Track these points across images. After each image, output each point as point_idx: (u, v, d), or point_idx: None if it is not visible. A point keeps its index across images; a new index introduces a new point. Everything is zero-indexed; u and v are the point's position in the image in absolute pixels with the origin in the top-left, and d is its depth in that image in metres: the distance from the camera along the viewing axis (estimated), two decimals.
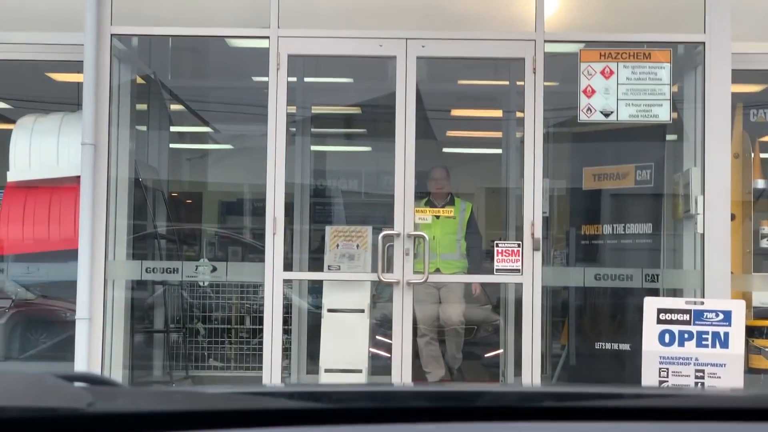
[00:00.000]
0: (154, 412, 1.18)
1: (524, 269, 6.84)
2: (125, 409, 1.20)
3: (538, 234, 6.86)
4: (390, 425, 1.20)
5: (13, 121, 7.79)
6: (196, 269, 8.13)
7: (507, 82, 8.97)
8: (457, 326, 8.34)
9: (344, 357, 7.37)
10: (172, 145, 9.19)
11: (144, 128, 8.44)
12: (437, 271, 7.80)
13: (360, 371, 7.30)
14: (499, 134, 9.85)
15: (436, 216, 8.21)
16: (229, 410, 1.24)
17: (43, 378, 1.28)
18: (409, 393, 1.55)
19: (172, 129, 9.23)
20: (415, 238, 7.02)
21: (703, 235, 7.13)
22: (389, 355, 6.99)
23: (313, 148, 9.52)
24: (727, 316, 5.87)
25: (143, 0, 7.54)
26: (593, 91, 7.14)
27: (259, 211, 7.70)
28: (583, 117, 7.18)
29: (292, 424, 1.20)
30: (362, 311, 7.43)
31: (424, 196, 8.28)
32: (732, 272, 7.27)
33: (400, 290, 6.97)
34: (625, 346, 7.69)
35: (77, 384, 1.25)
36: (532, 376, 6.74)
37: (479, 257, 8.41)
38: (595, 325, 8.32)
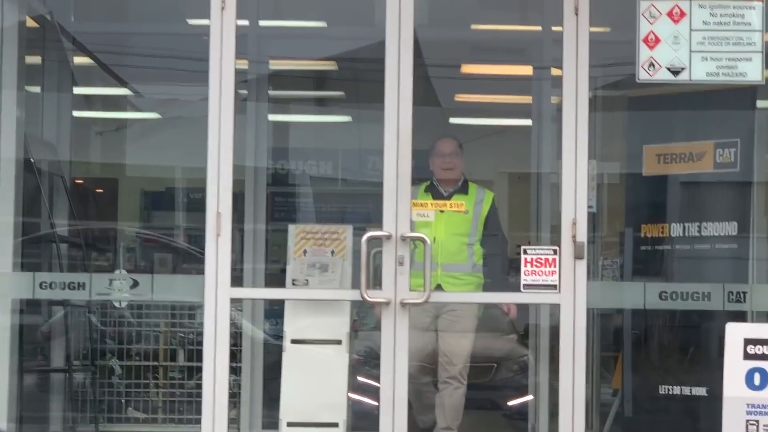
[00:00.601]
0: None
1: (562, 285, 6.85)
2: None
3: (582, 237, 6.88)
4: None
5: None
6: (111, 284, 8.13)
7: (539, 28, 8.99)
8: (458, 376, 8.01)
9: (314, 406, 7.38)
10: (76, 113, 9.17)
11: (37, 89, 8.41)
12: (438, 288, 7.58)
13: (336, 425, 7.31)
14: (527, 99, 9.86)
15: (440, 209, 7.84)
16: None
17: None
18: None
19: (77, 91, 9.20)
20: (412, 241, 6.93)
21: None
22: (376, 403, 7.01)
23: (272, 117, 9.51)
24: None
25: None
26: (657, 40, 7.17)
27: (197, 204, 7.72)
28: (643, 76, 7.19)
29: None
30: (339, 342, 7.45)
31: (424, 180, 8.09)
32: None
33: (391, 314, 6.98)
34: (700, 391, 7.73)
35: None
36: None
37: (501, 270, 8.28)
38: (660, 362, 8.35)
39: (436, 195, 7.95)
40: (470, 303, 8.26)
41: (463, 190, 8.14)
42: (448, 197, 8.02)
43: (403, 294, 6.82)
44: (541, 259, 6.87)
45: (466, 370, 8.02)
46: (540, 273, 6.90)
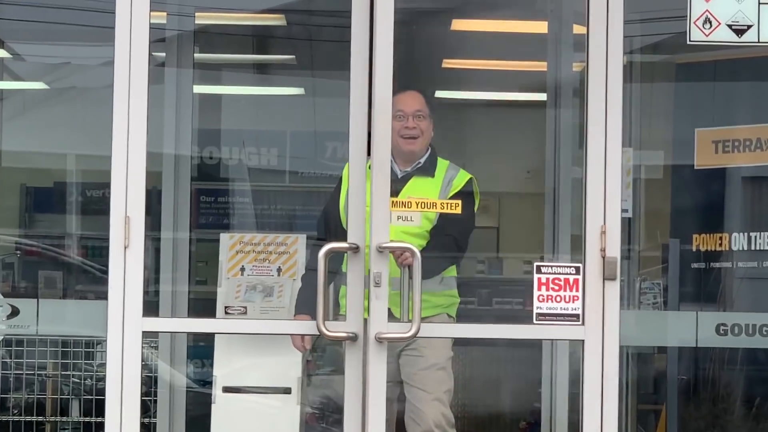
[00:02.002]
0: None
1: (587, 315, 6.86)
2: None
3: (614, 251, 6.91)
4: None
5: None
6: None
7: None
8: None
9: None
10: None
11: None
12: (389, 313, 6.63)
13: None
14: (542, 67, 9.91)
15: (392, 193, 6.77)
16: None
17: None
18: None
19: None
20: (393, 253, 6.65)
21: None
22: None
23: (199, 89, 9.52)
24: None
25: None
26: None
27: (97, 205, 7.73)
28: (696, 35, 7.23)
29: None
30: (288, 391, 7.48)
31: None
32: None
33: (357, 352, 7.00)
34: None
35: None
36: None
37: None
38: (717, 417, 8.40)
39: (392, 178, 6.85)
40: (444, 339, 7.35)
41: (428, 170, 7.39)
42: (404, 180, 7.28)
43: (380, 326, 6.48)
44: (560, 279, 6.77)
45: (449, 425, 7.24)
46: (558, 299, 6.77)
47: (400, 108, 7.07)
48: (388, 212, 6.58)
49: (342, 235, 6.79)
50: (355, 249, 6.86)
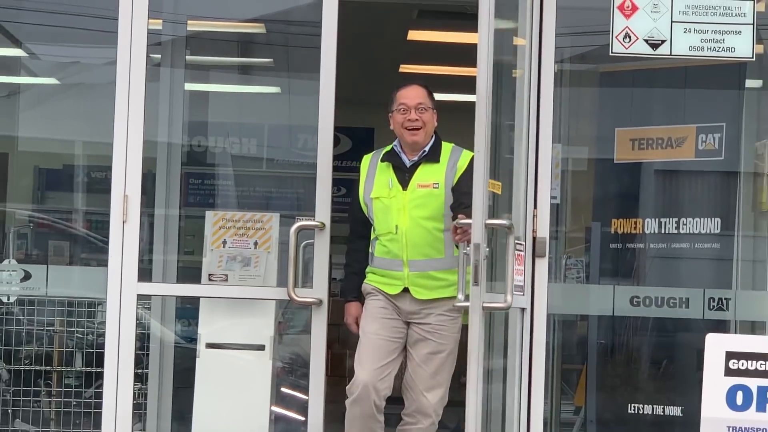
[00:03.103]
0: None
1: (524, 288, 6.84)
2: None
3: (544, 232, 6.91)
4: None
5: None
6: None
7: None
8: (429, 412, 6.94)
9: (232, 421, 7.41)
10: None
11: None
12: (404, 293, 6.84)
13: None
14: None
15: (401, 184, 6.90)
16: None
17: None
18: None
19: None
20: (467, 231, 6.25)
21: None
22: (303, 418, 7.01)
23: (189, 86, 9.51)
24: None
25: None
26: (635, 8, 7.21)
27: (100, 185, 7.70)
28: (618, 48, 7.24)
29: None
30: (262, 348, 7.46)
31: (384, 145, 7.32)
32: None
33: (322, 315, 7.01)
34: (675, 410, 7.79)
35: None
36: None
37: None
38: (629, 377, 8.41)
39: (398, 166, 6.96)
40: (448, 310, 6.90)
41: (433, 156, 7.01)
42: (413, 168, 6.96)
43: (483, 297, 6.13)
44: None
45: (441, 403, 7.01)
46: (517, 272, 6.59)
47: (402, 102, 6.91)
48: (488, 194, 6.29)
49: (366, 224, 6.95)
50: (322, 227, 6.91)
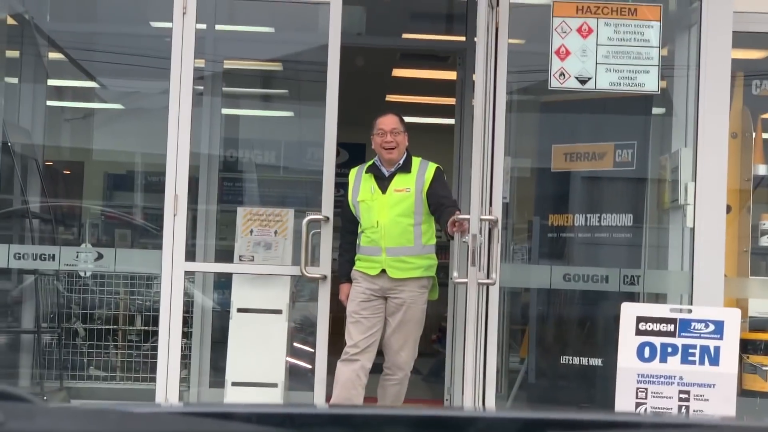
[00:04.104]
0: None
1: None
2: (44, 429, 1.22)
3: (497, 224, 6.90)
4: None
5: None
6: (77, 256, 8.10)
7: (463, 38, 9.00)
8: (401, 366, 7.00)
9: (257, 368, 7.39)
10: (49, 103, 9.10)
11: (15, 81, 8.34)
12: (383, 272, 6.90)
13: (275, 385, 7.32)
14: (452, 102, 9.88)
15: (381, 190, 6.97)
16: None
17: None
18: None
19: (50, 82, 9.12)
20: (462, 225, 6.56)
21: (693, 229, 7.26)
22: (310, 367, 7.00)
23: (225, 111, 9.48)
24: (719, 328, 5.98)
25: None
26: (568, 53, 7.19)
27: (156, 186, 7.69)
28: (555, 84, 7.22)
29: None
30: (279, 312, 7.45)
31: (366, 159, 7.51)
32: (726, 275, 7.41)
33: (326, 287, 7.03)
34: (597, 362, 7.78)
35: None
36: (484, 397, 6.78)
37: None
38: (562, 335, 8.40)
39: (378, 176, 6.99)
40: (416, 287, 7.00)
41: (406, 168, 7.01)
42: (390, 177, 6.97)
43: (480, 275, 6.57)
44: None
45: (411, 358, 7.05)
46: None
47: (380, 127, 6.96)
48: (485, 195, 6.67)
49: (354, 222, 7.01)
50: (326, 219, 6.92)
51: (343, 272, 7.05)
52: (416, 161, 7.05)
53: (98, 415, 1.35)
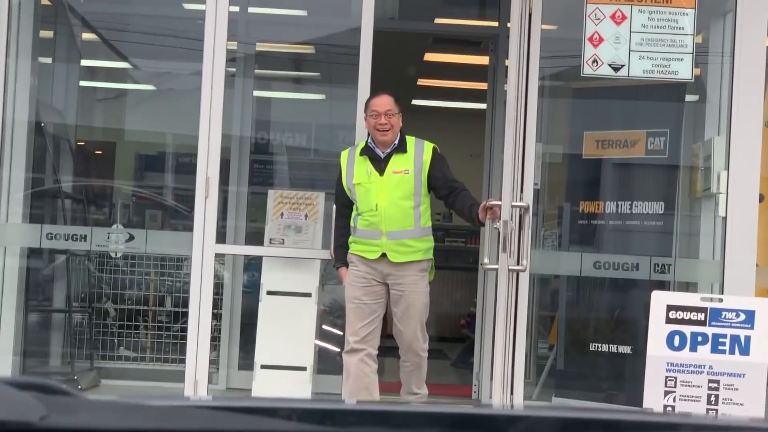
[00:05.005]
0: (119, 430, 1.22)
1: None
2: (86, 424, 1.23)
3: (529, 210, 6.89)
4: None
5: None
6: (108, 237, 8.13)
7: (496, 24, 8.99)
8: (417, 351, 6.88)
9: (285, 351, 7.40)
10: (82, 83, 9.13)
11: (48, 61, 8.38)
12: (383, 258, 6.76)
13: (304, 369, 7.33)
14: (484, 86, 9.87)
15: (378, 172, 6.81)
16: (214, 430, 1.28)
17: None
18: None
19: (83, 63, 9.15)
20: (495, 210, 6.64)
21: (725, 218, 7.24)
22: (339, 350, 7.01)
23: (256, 93, 9.49)
24: (750, 317, 5.97)
25: None
26: (601, 39, 7.18)
27: (187, 168, 7.71)
28: (587, 70, 7.20)
29: None
30: (309, 295, 7.45)
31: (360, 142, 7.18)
32: (757, 265, 7.37)
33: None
34: (626, 349, 7.76)
35: (27, 392, 1.28)
36: (512, 384, 6.78)
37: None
38: (591, 323, 8.39)
39: (374, 157, 6.82)
40: (417, 271, 6.89)
41: (401, 148, 6.85)
42: (386, 159, 6.81)
43: (511, 262, 6.63)
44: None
45: (424, 341, 6.92)
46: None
47: (374, 108, 6.75)
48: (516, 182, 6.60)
49: (349, 206, 6.87)
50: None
51: (339, 257, 6.94)
52: (411, 141, 6.89)
53: (140, 410, 1.36)
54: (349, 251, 6.87)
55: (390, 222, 6.71)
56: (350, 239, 6.88)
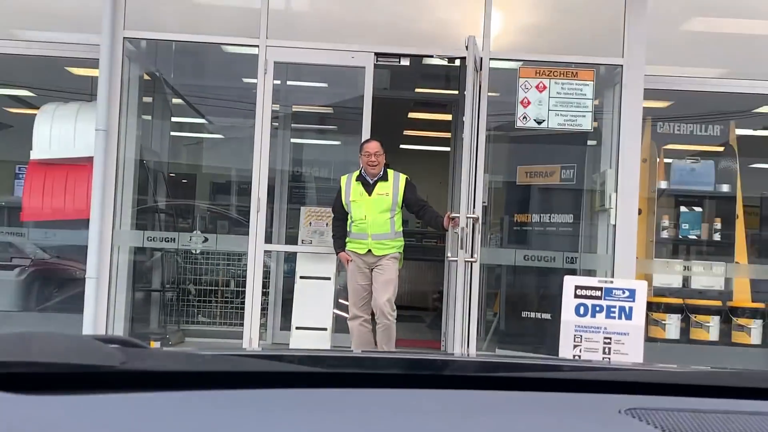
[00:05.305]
0: (179, 372, 1.21)
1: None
2: (154, 367, 1.22)
3: (479, 221, 6.84)
4: (367, 390, 1.23)
5: (37, 108, 7.71)
6: (190, 239, 8.11)
7: (457, 92, 8.97)
8: (386, 314, 6.71)
9: (312, 317, 7.37)
10: (172, 133, 9.10)
11: (149, 118, 8.37)
12: (369, 252, 6.79)
13: (325, 329, 7.30)
14: (448, 135, 9.84)
15: (367, 193, 6.85)
16: (242, 371, 1.27)
17: (83, 339, 1.29)
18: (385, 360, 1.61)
19: (173, 119, 9.14)
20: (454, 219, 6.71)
21: (614, 225, 7.23)
22: (347, 316, 6.99)
23: (293, 140, 9.47)
24: (632, 294, 5.95)
25: (152, 9, 7.48)
26: (529, 102, 7.17)
27: (244, 191, 7.67)
28: (519, 124, 7.22)
29: (300, 386, 1.23)
30: (329, 279, 7.43)
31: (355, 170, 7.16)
32: (637, 257, 7.37)
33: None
34: (547, 316, 7.76)
35: (112, 345, 1.26)
36: (468, 340, 6.75)
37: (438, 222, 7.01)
38: (523, 297, 8.36)
39: (365, 183, 6.84)
40: (391, 259, 6.87)
41: (384, 177, 6.86)
42: (374, 184, 6.82)
43: (466, 255, 6.63)
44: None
45: (393, 310, 6.77)
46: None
47: (366, 150, 6.80)
48: (470, 200, 7.01)
49: (344, 213, 6.94)
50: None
51: (338, 245, 6.94)
52: (391, 173, 6.90)
53: (194, 357, 1.34)
54: (346, 247, 6.89)
55: (374, 227, 6.76)
56: (346, 239, 6.90)
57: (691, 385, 1.26)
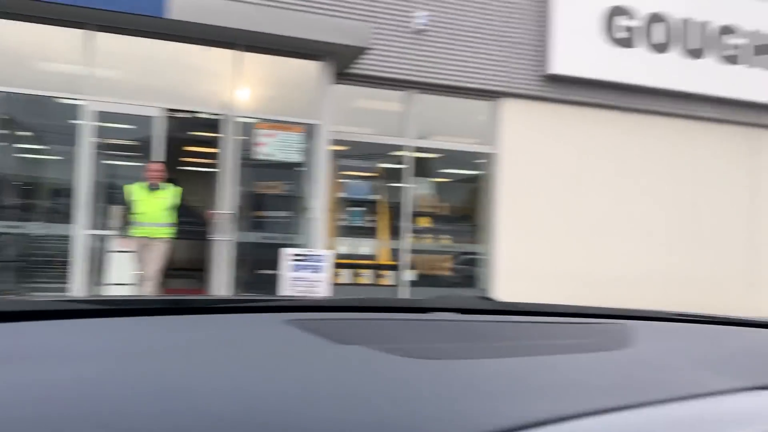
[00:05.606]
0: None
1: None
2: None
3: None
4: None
5: None
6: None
7: (222, 135, 8.64)
8: (152, 277, 6.10)
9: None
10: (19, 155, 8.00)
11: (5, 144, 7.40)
12: (145, 237, 6.20)
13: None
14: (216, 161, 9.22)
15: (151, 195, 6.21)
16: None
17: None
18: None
19: (21, 146, 8.06)
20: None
21: (313, 218, 7.39)
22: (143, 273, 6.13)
23: (102, 161, 7.71)
24: (322, 258, 6.44)
25: (8, 71, 6.74)
26: (263, 143, 7.31)
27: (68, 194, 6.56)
28: (258, 156, 7.29)
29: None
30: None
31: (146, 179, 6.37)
32: (327, 237, 7.60)
33: None
34: (275, 272, 7.07)
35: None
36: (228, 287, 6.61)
37: (187, 224, 6.47)
38: (259, 261, 7.65)
39: (151, 188, 6.27)
40: (163, 240, 6.20)
41: (163, 186, 6.31)
42: (154, 191, 6.25)
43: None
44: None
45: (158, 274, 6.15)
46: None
47: (150, 168, 6.24)
48: (228, 200, 6.13)
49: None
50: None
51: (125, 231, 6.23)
52: (167, 184, 6.35)
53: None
54: (132, 232, 6.19)
55: (153, 219, 6.18)
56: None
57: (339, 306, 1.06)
